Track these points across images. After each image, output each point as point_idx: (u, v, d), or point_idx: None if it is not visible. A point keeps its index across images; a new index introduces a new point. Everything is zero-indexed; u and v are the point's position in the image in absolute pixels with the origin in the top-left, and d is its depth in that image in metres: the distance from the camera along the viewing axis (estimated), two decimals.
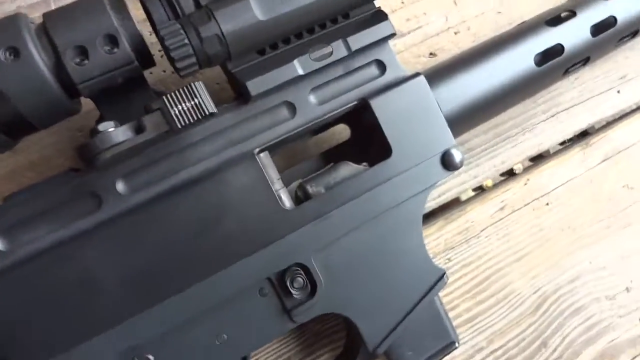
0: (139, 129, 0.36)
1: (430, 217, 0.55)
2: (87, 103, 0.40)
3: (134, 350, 0.38)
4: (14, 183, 0.47)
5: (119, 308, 0.37)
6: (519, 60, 0.48)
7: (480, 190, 0.58)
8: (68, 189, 0.38)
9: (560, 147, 0.60)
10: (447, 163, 0.44)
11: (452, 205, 0.56)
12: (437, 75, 0.46)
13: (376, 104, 0.43)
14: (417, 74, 0.45)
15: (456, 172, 0.54)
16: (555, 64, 0.49)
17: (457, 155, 0.44)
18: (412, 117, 0.44)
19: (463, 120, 0.47)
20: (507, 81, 0.48)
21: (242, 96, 0.41)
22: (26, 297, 0.36)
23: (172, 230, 0.38)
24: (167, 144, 0.39)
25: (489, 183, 0.58)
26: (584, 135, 0.60)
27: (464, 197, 0.57)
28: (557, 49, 0.49)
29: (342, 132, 0.51)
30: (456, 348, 0.45)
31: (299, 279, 0.41)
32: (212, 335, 0.40)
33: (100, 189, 0.38)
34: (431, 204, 0.54)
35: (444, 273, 0.45)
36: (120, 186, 0.38)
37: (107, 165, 0.37)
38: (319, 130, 0.48)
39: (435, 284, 0.45)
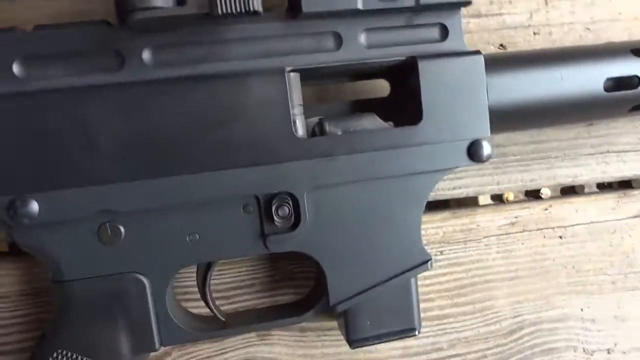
0: (181, 1, 0.35)
1: (438, 205, 0.53)
2: None
3: (108, 214, 0.38)
4: None
5: (106, 170, 0.37)
6: (588, 77, 0.45)
7: (499, 199, 0.55)
8: (96, 40, 0.37)
9: (595, 189, 0.56)
10: (474, 153, 0.42)
11: (465, 202, 0.53)
12: (498, 62, 0.44)
13: (424, 67, 0.41)
14: (477, 52, 0.42)
15: (481, 172, 0.52)
16: (624, 96, 0.46)
17: (486, 148, 0.42)
18: (456, 93, 0.42)
19: (507, 118, 0.44)
20: (568, 95, 0.44)
21: (293, 9, 0.39)
22: (25, 128, 0.36)
23: (181, 117, 0.38)
24: (204, 30, 0.38)
25: (510, 196, 0.56)
26: (625, 184, 0.56)
27: (481, 201, 0.55)
28: (634, 82, 0.45)
29: (382, 88, 0.49)
30: (414, 336, 0.44)
31: (286, 208, 0.40)
32: (185, 230, 0.40)
33: (126, 51, 0.38)
34: (445, 193, 0.52)
35: (430, 260, 0.43)
36: (146, 55, 0.38)
37: (139, 27, 0.36)
38: (359, 77, 0.47)
39: (418, 266, 0.43)
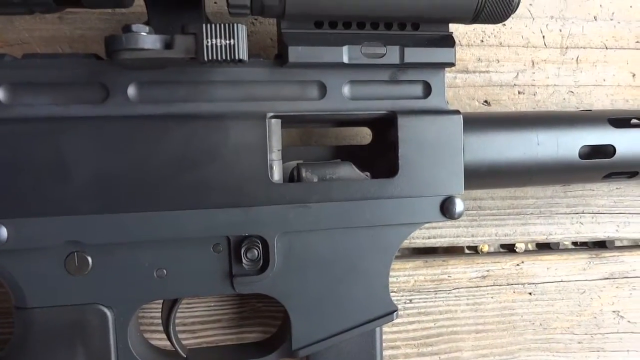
0: (168, 45, 0.36)
1: (411, 253, 0.53)
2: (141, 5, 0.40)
3: (76, 245, 0.38)
4: (49, 49, 0.48)
5: (79, 202, 0.37)
6: (564, 143, 0.45)
7: (473, 250, 0.56)
8: (83, 72, 0.38)
9: (571, 246, 0.57)
10: (446, 209, 0.43)
11: (438, 251, 0.54)
12: (477, 122, 0.45)
13: (403, 123, 0.42)
14: (456, 111, 0.43)
15: (457, 223, 0.53)
16: (599, 164, 0.47)
17: (459, 205, 0.43)
18: (433, 150, 0.42)
19: (481, 176, 0.45)
20: (543, 159, 0.45)
21: (280, 58, 0.40)
22: (2, 154, 0.37)
23: (158, 154, 0.38)
24: (189, 71, 0.39)
25: (485, 248, 0.56)
26: (599, 245, 0.57)
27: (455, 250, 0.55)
28: (608, 150, 0.46)
29: (365, 134, 0.49)
30: None
31: (255, 251, 0.40)
32: (153, 265, 0.40)
33: (112, 85, 0.38)
34: (417, 241, 0.52)
35: (396, 311, 0.44)
36: (131, 91, 0.38)
37: (127, 65, 0.37)
38: (342, 124, 0.47)
39: (383, 316, 0.43)
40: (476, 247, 0.56)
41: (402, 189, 0.42)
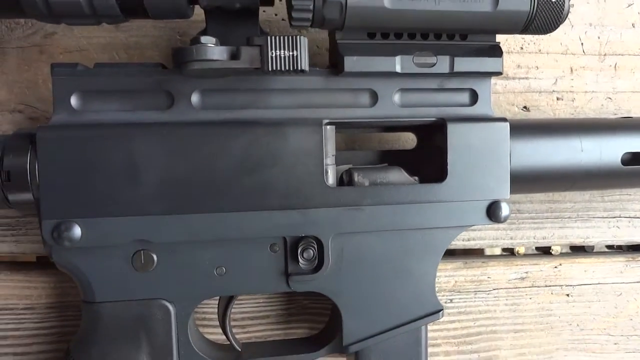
0: (234, 56, 0.38)
1: (452, 254, 0.55)
2: (198, 14, 0.42)
3: (143, 244, 0.40)
4: (105, 55, 0.50)
5: (147, 202, 0.40)
6: (607, 150, 0.47)
7: (510, 252, 0.57)
8: (150, 80, 0.40)
9: (607, 249, 0.58)
10: (492, 213, 0.44)
11: (478, 253, 0.55)
12: (523, 128, 0.46)
13: (452, 129, 0.43)
14: (503, 119, 0.44)
15: (495, 226, 0.54)
16: None
17: (504, 210, 0.44)
18: (481, 156, 0.44)
19: (526, 181, 0.46)
20: (586, 166, 0.46)
21: (335, 67, 0.42)
22: (75, 157, 0.39)
23: (221, 158, 0.40)
24: (250, 79, 0.40)
25: (522, 250, 0.58)
26: (635, 249, 0.58)
27: (490, 252, 0.57)
28: None
29: (409, 140, 0.51)
30: None
31: (311, 251, 0.42)
32: (214, 263, 0.42)
33: (177, 92, 0.40)
34: (457, 243, 0.54)
35: (441, 310, 0.45)
36: (195, 98, 0.40)
37: (193, 75, 0.39)
38: (390, 129, 0.49)
39: (429, 315, 0.45)
40: (512, 249, 0.57)
41: (451, 193, 0.44)
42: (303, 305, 0.51)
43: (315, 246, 0.42)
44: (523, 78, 0.55)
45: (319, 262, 0.43)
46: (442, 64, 0.42)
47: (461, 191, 0.44)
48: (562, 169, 0.46)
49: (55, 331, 0.48)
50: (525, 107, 0.55)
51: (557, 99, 0.56)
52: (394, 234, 0.44)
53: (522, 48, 0.55)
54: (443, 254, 0.45)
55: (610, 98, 0.56)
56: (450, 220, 0.44)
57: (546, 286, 0.54)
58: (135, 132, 0.39)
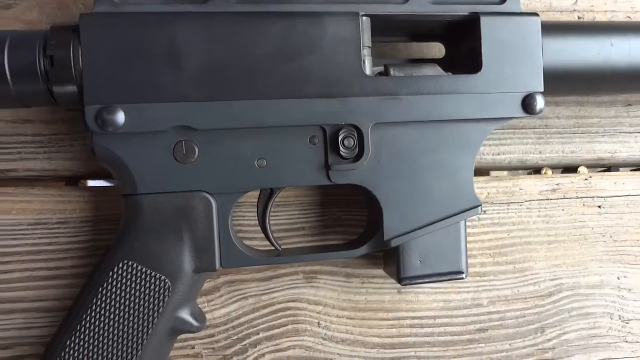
0: None
1: (482, 170, 0.55)
2: None
3: (184, 133, 0.41)
4: None
5: (188, 89, 0.40)
6: (636, 47, 0.47)
7: (537, 174, 0.57)
8: None
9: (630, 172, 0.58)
10: (528, 105, 0.45)
11: (507, 169, 0.56)
12: (554, 27, 0.47)
13: (485, 22, 0.44)
14: (534, 13, 0.45)
15: (525, 140, 0.54)
16: None
17: (539, 102, 0.45)
18: (514, 50, 0.44)
19: (557, 80, 0.47)
20: (616, 62, 0.47)
21: None
22: (118, 44, 0.39)
23: (260, 46, 0.41)
24: None
25: (549, 172, 0.58)
26: None
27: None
28: None
29: (437, 51, 0.52)
30: (462, 278, 0.45)
31: (351, 139, 0.42)
32: (254, 154, 0.42)
33: None
34: (487, 157, 0.54)
35: (480, 205, 0.45)
36: None
37: None
38: (417, 37, 0.50)
39: (468, 210, 0.45)
40: (539, 170, 0.58)
41: (486, 84, 0.44)
42: (337, 217, 0.51)
43: (356, 135, 0.42)
44: None
45: (359, 151, 0.43)
46: None
47: (496, 83, 0.44)
48: (593, 64, 0.47)
49: (89, 245, 0.48)
50: None
51: (578, 17, 0.56)
52: (430, 126, 0.44)
53: None
54: (479, 148, 0.45)
55: (629, 17, 0.57)
56: (486, 112, 0.44)
57: (577, 197, 0.54)
58: (176, 20, 0.40)
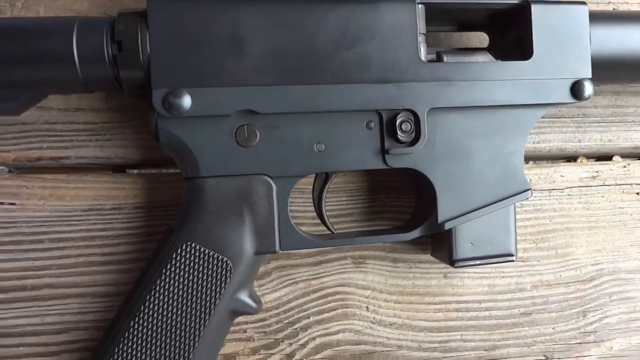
0: None
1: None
2: None
3: (246, 117, 0.41)
4: None
5: (251, 74, 0.41)
6: None
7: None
8: None
9: None
10: (576, 91, 0.46)
11: (547, 157, 0.57)
12: (601, 15, 0.48)
13: (536, 9, 0.45)
14: (582, 2, 0.46)
15: (564, 128, 0.56)
16: None
17: (588, 88, 0.46)
18: (562, 37, 0.46)
19: (603, 67, 0.48)
20: None
21: None
22: (184, 28, 0.40)
23: (322, 32, 0.42)
24: None
25: (585, 160, 0.59)
26: None
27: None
28: None
29: (480, 42, 0.53)
30: (513, 261, 0.46)
31: (409, 123, 0.43)
32: (313, 139, 0.43)
33: None
34: (528, 146, 0.55)
35: (530, 189, 0.46)
36: None
37: None
38: (465, 26, 0.51)
39: (518, 194, 0.46)
40: (576, 158, 0.59)
41: (536, 70, 0.45)
42: (385, 203, 0.52)
43: (412, 119, 0.43)
44: None
45: (416, 136, 0.44)
46: None
47: (546, 69, 0.45)
48: (638, 54, 0.48)
49: (143, 231, 0.49)
50: None
51: (613, 9, 0.58)
52: (482, 111, 0.45)
53: None
54: (529, 133, 0.46)
55: None
56: (536, 97, 0.45)
57: (616, 185, 0.55)
58: (240, 6, 0.41)
